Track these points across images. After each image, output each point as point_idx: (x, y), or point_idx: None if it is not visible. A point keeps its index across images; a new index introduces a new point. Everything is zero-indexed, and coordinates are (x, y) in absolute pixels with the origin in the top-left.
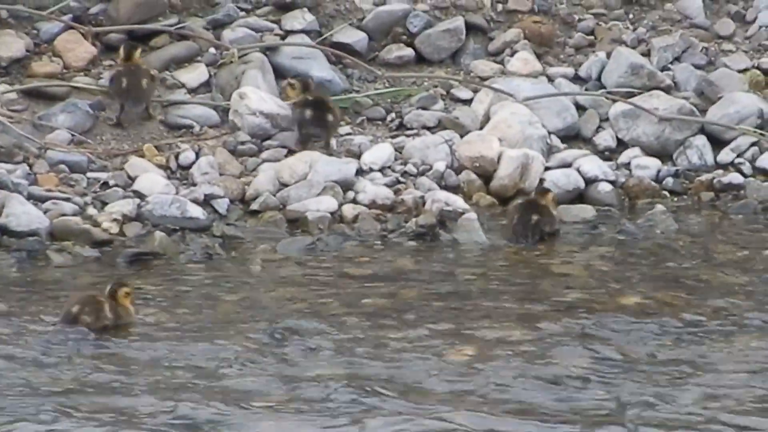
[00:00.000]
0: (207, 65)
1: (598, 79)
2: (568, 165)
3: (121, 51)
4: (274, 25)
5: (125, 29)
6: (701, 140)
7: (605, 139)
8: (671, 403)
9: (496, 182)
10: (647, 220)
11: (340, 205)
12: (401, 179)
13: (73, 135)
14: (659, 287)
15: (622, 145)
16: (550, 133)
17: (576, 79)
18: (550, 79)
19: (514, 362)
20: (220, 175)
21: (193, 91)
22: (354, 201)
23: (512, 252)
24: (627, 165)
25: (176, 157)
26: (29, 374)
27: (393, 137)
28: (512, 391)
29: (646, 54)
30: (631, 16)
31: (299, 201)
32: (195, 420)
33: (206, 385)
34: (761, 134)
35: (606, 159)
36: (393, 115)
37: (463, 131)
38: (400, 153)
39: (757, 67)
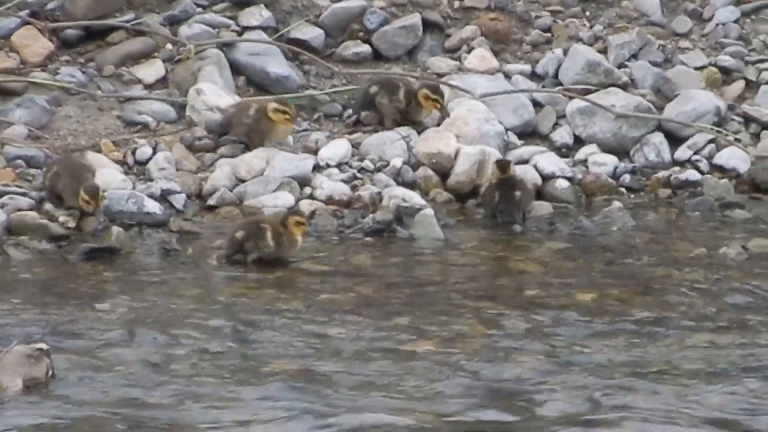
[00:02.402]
0: (164, 61)
1: (555, 76)
2: (525, 162)
3: None
4: (231, 22)
5: (82, 25)
6: (658, 137)
7: (562, 135)
8: (626, 400)
9: (453, 179)
10: (604, 217)
11: (297, 200)
12: (358, 175)
13: (30, 130)
14: (616, 284)
15: (579, 141)
16: (507, 129)
17: (533, 76)
18: (507, 76)
19: (472, 358)
20: (177, 170)
21: (149, 86)
22: (311, 197)
23: (469, 248)
24: (584, 162)
25: (133, 153)
26: None
27: (350, 133)
28: (468, 388)
29: (603, 51)
30: (588, 13)
31: (256, 197)
32: (145, 413)
33: (159, 380)
34: (718, 131)
35: (563, 156)
36: (350, 111)
37: (420, 128)
38: (357, 149)
39: (714, 65)
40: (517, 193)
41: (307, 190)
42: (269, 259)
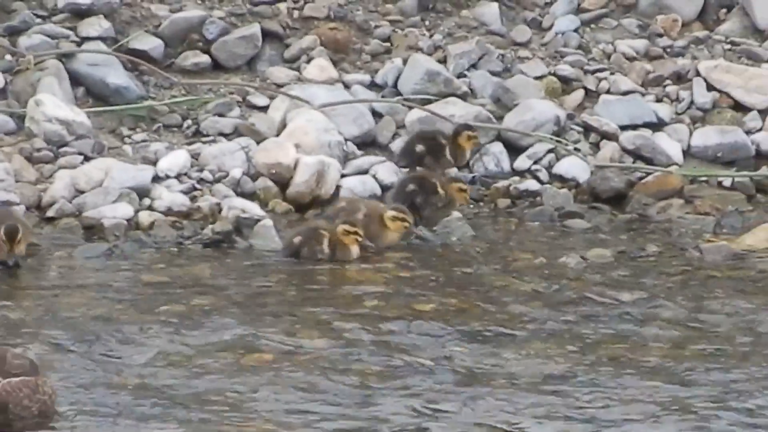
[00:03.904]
0: (3, 72)
1: (395, 85)
2: (365, 172)
3: None
4: (71, 32)
5: None
6: (498, 147)
7: (401, 145)
8: (464, 409)
9: (292, 189)
10: (443, 227)
11: (136, 211)
12: (197, 186)
13: None
14: (455, 294)
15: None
16: (346, 139)
17: (372, 86)
18: (347, 86)
19: (312, 369)
20: (16, 182)
21: None
22: (150, 208)
23: (308, 258)
24: None
25: None
26: None
27: (189, 144)
28: (307, 399)
29: (443, 61)
30: (427, 22)
31: (95, 208)
32: None
33: None
34: (557, 141)
35: (402, 166)
36: (189, 121)
37: (259, 138)
38: (197, 160)
39: (554, 74)
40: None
41: (146, 201)
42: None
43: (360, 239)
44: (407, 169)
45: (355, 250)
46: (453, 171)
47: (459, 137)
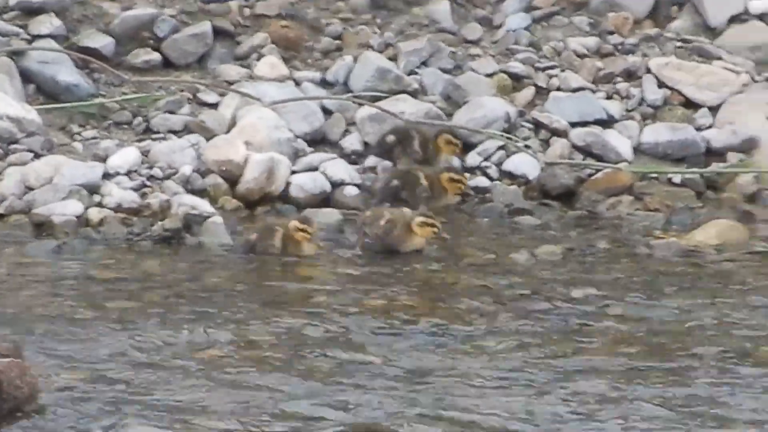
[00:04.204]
0: None
1: (345, 83)
2: (315, 169)
3: None
4: (21, 30)
5: None
6: None
7: (352, 143)
8: (413, 405)
9: (242, 186)
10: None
11: (86, 208)
12: (147, 183)
13: None
14: (406, 290)
15: (369, 148)
16: (296, 137)
17: (323, 83)
18: (297, 84)
19: (260, 365)
20: None
21: None
22: (100, 205)
23: (257, 255)
24: (373, 169)
25: None
26: None
27: (139, 141)
28: (256, 395)
29: (394, 58)
30: (378, 20)
31: (45, 205)
32: None
33: None
34: (508, 138)
35: (352, 163)
36: (139, 119)
37: (209, 135)
38: (147, 157)
39: (505, 71)
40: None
41: (96, 197)
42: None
43: (310, 236)
44: (379, 159)
45: (307, 247)
46: (448, 160)
47: (439, 138)
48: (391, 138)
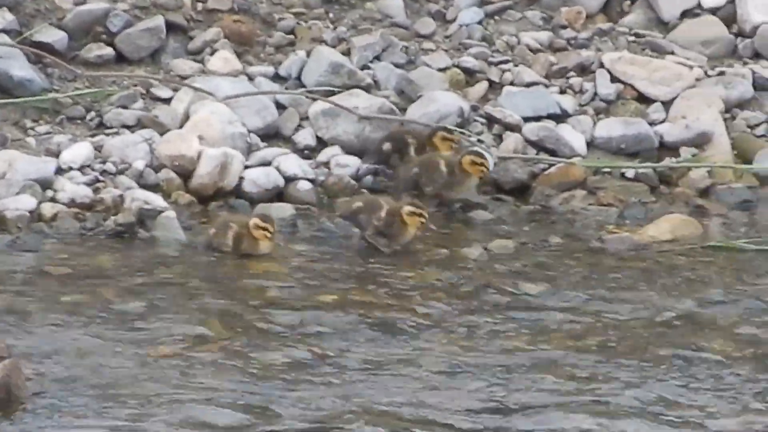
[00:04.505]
0: None
1: (299, 77)
2: (268, 163)
3: None
4: None
5: None
6: None
7: (305, 137)
8: (366, 400)
9: (195, 181)
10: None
11: (39, 203)
12: (101, 178)
13: None
14: (359, 285)
15: (322, 143)
16: (250, 131)
17: (276, 77)
18: (250, 78)
19: (215, 359)
20: None
21: None
22: (53, 200)
23: (211, 250)
24: (326, 164)
25: None
26: None
27: (92, 136)
28: (210, 391)
29: (347, 53)
30: (331, 15)
31: None
32: None
33: None
34: (461, 132)
35: (306, 157)
36: (93, 114)
37: (162, 130)
38: (100, 152)
39: (458, 66)
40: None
41: (49, 192)
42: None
43: (270, 236)
44: (375, 166)
45: (264, 245)
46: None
47: (434, 137)
48: (387, 146)
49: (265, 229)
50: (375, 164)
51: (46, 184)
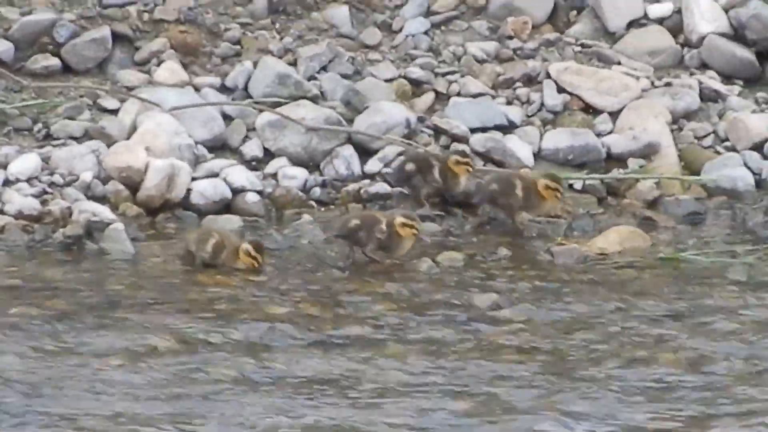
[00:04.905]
0: None
1: (245, 88)
2: (215, 175)
3: None
4: None
5: None
6: (348, 150)
7: (252, 149)
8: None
9: (143, 193)
10: (294, 231)
11: None
12: (48, 190)
13: None
14: (308, 297)
15: (269, 155)
16: (197, 143)
17: (223, 89)
18: (197, 89)
19: (163, 372)
20: None
21: None
22: (0, 212)
23: (160, 262)
24: (274, 175)
25: None
26: None
27: (40, 147)
28: (157, 404)
29: (293, 63)
30: (277, 25)
31: None
32: None
33: None
34: (408, 144)
35: (253, 169)
36: (40, 125)
37: (110, 141)
38: (47, 163)
39: (404, 77)
40: None
41: None
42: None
43: (258, 266)
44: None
45: (242, 264)
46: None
47: (448, 162)
48: (410, 166)
49: (255, 259)
50: (396, 185)
51: None
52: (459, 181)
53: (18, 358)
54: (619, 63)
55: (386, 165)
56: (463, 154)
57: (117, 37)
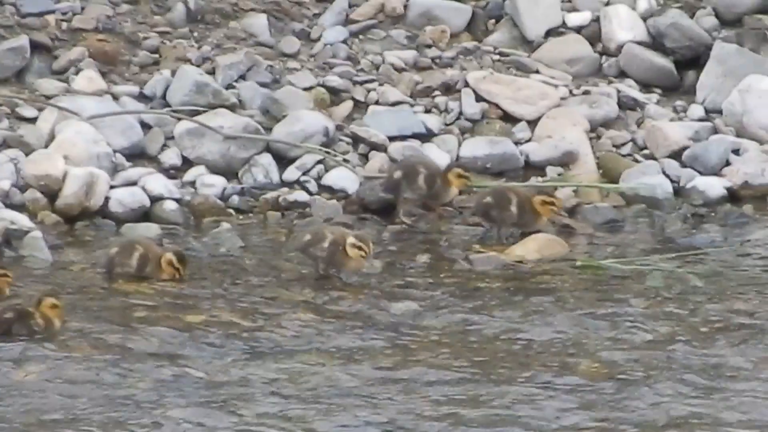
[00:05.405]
0: None
1: (164, 97)
2: (134, 183)
3: None
4: None
5: None
6: (267, 158)
7: (171, 157)
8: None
9: (61, 201)
10: (213, 239)
11: None
12: None
13: None
14: (226, 305)
15: (187, 163)
16: (115, 151)
17: (141, 97)
18: (115, 98)
19: (81, 381)
20: None
21: None
22: None
23: (78, 270)
24: (193, 183)
25: None
26: None
27: None
28: (76, 411)
29: (212, 72)
30: (196, 34)
31: None
32: None
33: None
34: (326, 152)
35: (171, 177)
36: None
37: (28, 150)
38: None
39: (323, 85)
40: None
41: None
42: None
43: (180, 276)
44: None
45: (165, 275)
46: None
47: (449, 172)
48: (398, 173)
49: (178, 270)
50: (385, 192)
51: None
52: (450, 189)
53: None
54: (537, 71)
55: (304, 173)
56: (465, 168)
57: (35, 46)
